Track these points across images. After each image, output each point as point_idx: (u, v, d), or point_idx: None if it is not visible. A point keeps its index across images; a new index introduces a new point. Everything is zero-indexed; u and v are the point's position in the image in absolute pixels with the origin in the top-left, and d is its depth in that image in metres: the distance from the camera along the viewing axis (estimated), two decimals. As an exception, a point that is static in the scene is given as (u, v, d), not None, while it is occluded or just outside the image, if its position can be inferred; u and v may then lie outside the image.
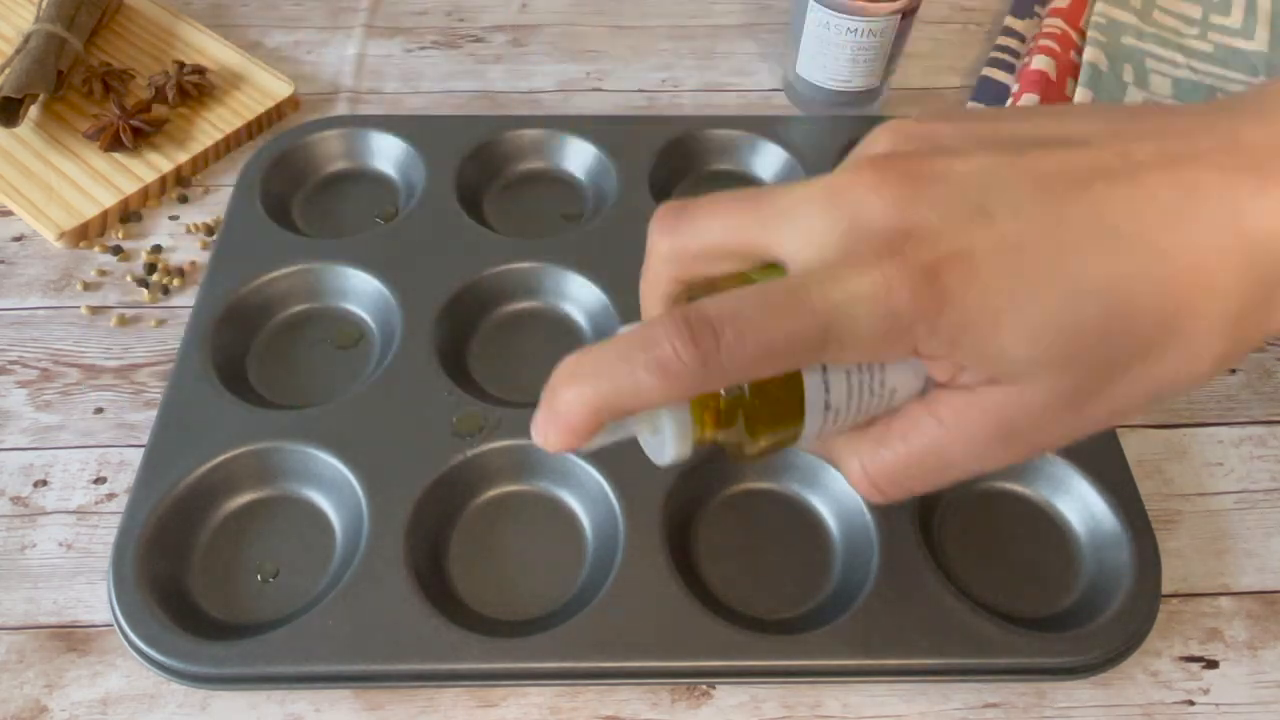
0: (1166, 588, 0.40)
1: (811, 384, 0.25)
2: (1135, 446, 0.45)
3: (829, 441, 0.27)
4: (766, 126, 0.56)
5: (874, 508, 0.39)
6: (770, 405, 0.26)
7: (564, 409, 0.24)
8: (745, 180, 0.55)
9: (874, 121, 0.56)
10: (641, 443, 0.28)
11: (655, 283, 0.27)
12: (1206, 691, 0.38)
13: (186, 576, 0.39)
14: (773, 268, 0.25)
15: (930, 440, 0.25)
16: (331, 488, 0.41)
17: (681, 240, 0.26)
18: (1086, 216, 0.22)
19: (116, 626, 0.37)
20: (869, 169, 0.23)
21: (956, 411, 0.24)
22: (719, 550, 0.40)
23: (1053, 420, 0.24)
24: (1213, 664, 0.39)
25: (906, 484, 0.26)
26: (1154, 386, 0.23)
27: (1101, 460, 0.41)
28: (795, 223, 0.24)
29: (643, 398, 0.23)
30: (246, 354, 0.47)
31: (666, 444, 0.26)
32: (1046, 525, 0.41)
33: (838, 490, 0.41)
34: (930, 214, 0.22)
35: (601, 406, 0.23)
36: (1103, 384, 0.23)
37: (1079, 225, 0.22)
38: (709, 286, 0.26)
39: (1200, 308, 0.22)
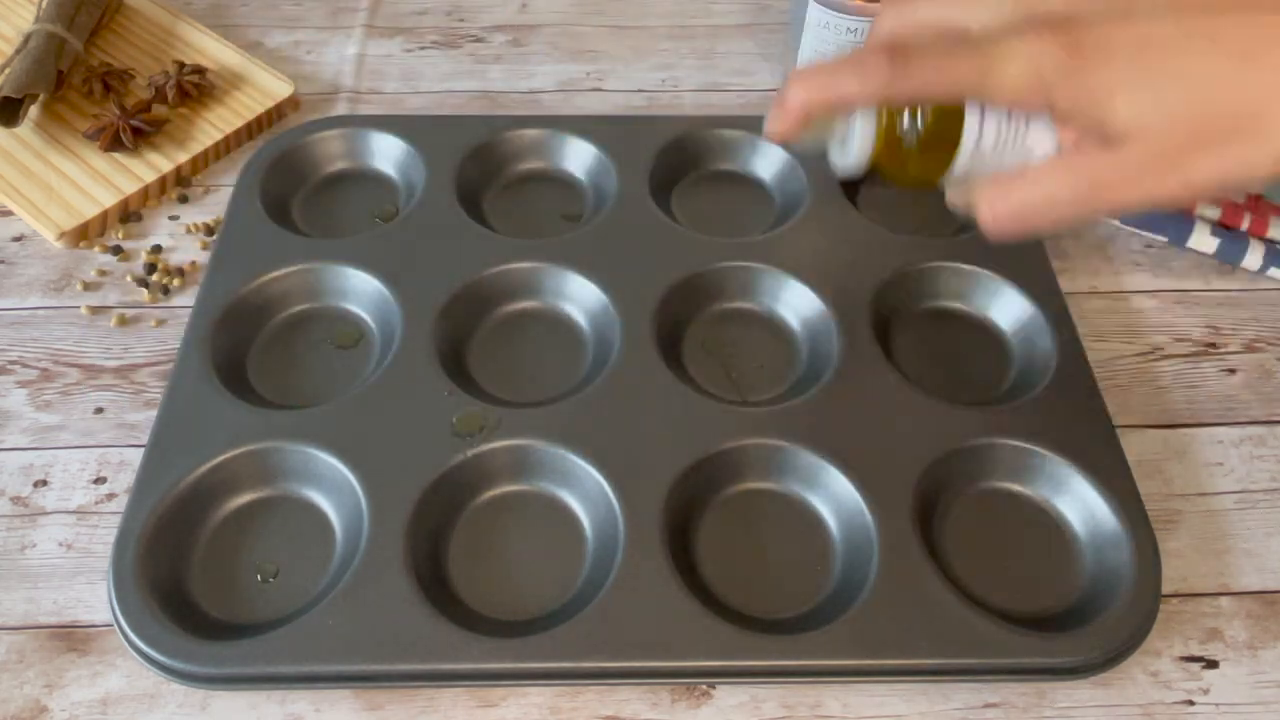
0: (1166, 588, 0.40)
1: (970, 124, 0.35)
2: (1135, 446, 0.45)
3: (968, 187, 0.33)
4: (766, 126, 0.56)
5: (874, 508, 0.39)
6: (933, 135, 0.35)
7: (787, 102, 0.33)
8: (745, 180, 0.56)
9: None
10: (831, 158, 0.38)
11: (875, 36, 0.35)
12: (1206, 691, 0.38)
13: (186, 576, 0.39)
14: None
15: (1047, 185, 0.31)
16: (331, 488, 0.41)
17: (902, 16, 0.34)
18: (1207, 31, 0.29)
19: (116, 626, 0.37)
20: None
21: (1072, 166, 0.31)
22: (719, 550, 0.40)
23: (1138, 179, 0.30)
24: (1213, 664, 0.39)
25: (1021, 218, 0.32)
26: (1226, 171, 0.29)
27: (1101, 460, 0.41)
28: (986, 5, 0.32)
29: (845, 91, 0.32)
30: (246, 354, 0.47)
31: (852, 146, 0.36)
32: (1047, 525, 0.41)
33: (838, 490, 0.41)
34: (1090, 7, 0.30)
35: (815, 99, 0.33)
36: (1185, 157, 0.29)
37: (1199, 37, 0.29)
38: None
39: (1273, 113, 0.28)
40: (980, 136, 0.35)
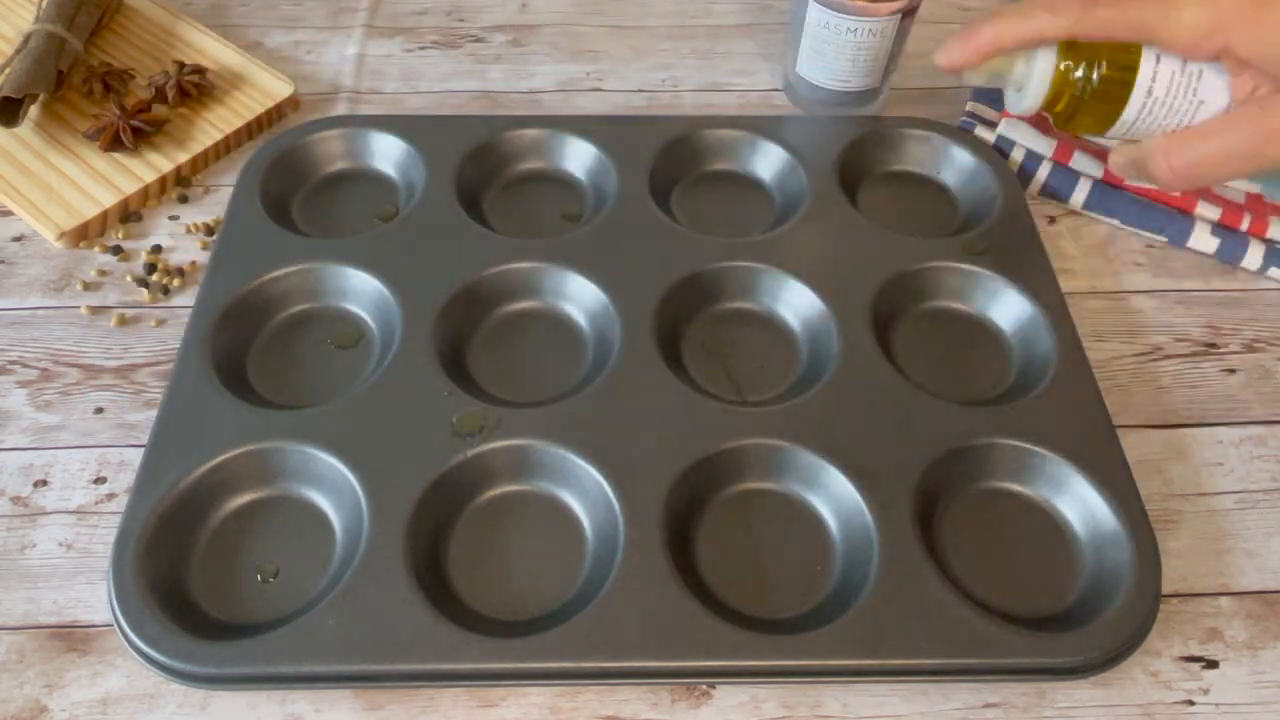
0: (1166, 588, 0.40)
1: (1144, 69, 0.36)
2: (1135, 446, 0.45)
3: (1138, 139, 0.36)
4: (766, 126, 0.56)
5: (874, 508, 0.39)
6: (1108, 82, 0.37)
7: (978, 34, 0.36)
8: (745, 180, 0.56)
9: (874, 122, 0.57)
10: (1006, 99, 0.41)
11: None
12: (1206, 691, 0.38)
13: (186, 576, 0.39)
14: None
15: (1226, 138, 0.32)
16: (331, 488, 0.41)
17: None
18: None
19: (116, 626, 0.37)
20: None
21: (1248, 115, 0.32)
22: (719, 550, 0.40)
23: None
24: (1213, 664, 0.39)
25: (1198, 169, 0.33)
26: None
27: (1101, 460, 0.41)
28: None
29: (1036, 28, 0.35)
30: (246, 354, 0.47)
31: (1031, 87, 0.38)
32: (1047, 525, 0.41)
33: (838, 490, 0.41)
34: None
35: (1007, 33, 0.35)
36: None
37: None
38: None
39: None
40: (1154, 82, 0.36)
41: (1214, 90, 0.35)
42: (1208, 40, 0.31)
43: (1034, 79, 0.38)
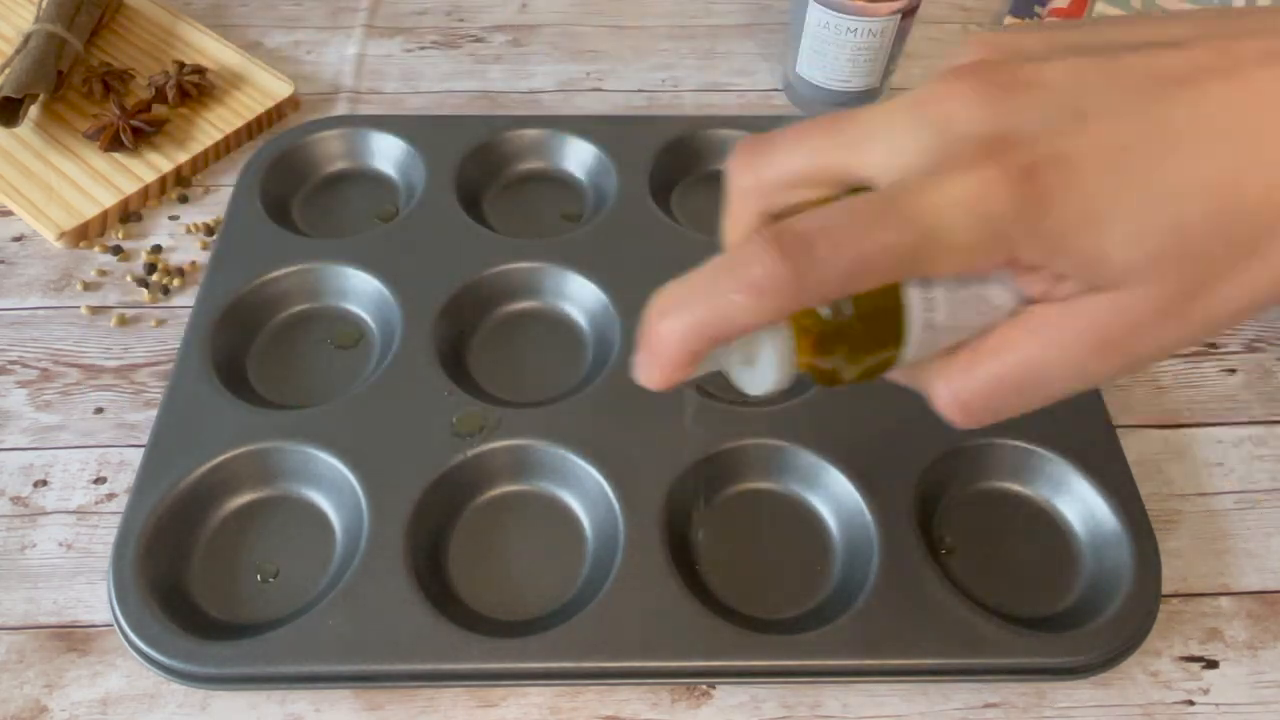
0: (1166, 588, 0.40)
1: (914, 300, 0.24)
2: (1135, 446, 0.45)
3: (917, 368, 0.26)
4: (766, 126, 0.55)
5: (874, 508, 0.39)
6: (872, 325, 0.25)
7: (660, 346, 0.24)
8: (745, 180, 0.55)
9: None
10: (733, 377, 0.27)
11: (739, 219, 0.26)
12: (1206, 691, 0.38)
13: (186, 576, 0.39)
14: (859, 190, 0.24)
15: (1025, 357, 0.24)
16: (331, 488, 0.41)
17: (762, 172, 0.25)
18: (1189, 114, 0.21)
19: (116, 626, 0.37)
20: (957, 78, 0.22)
21: (1053, 324, 0.23)
22: (719, 550, 0.40)
23: (1153, 328, 0.23)
24: (1213, 664, 0.39)
25: (999, 405, 0.25)
26: (1259, 291, 0.22)
27: (1101, 460, 0.41)
28: (881, 139, 0.23)
29: (739, 321, 0.22)
30: (246, 354, 0.47)
31: (765, 371, 0.26)
32: (1046, 525, 0.41)
33: (838, 490, 0.41)
34: (1025, 118, 0.22)
35: (698, 337, 0.23)
36: (1207, 287, 0.22)
37: (1181, 123, 0.21)
38: (795, 213, 0.24)
39: None
40: (930, 310, 0.24)
41: (1001, 293, 0.25)
42: (985, 258, 0.22)
43: (767, 355, 0.25)
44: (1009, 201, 0.21)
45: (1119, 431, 0.43)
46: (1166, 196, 0.21)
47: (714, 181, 0.56)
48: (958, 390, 0.25)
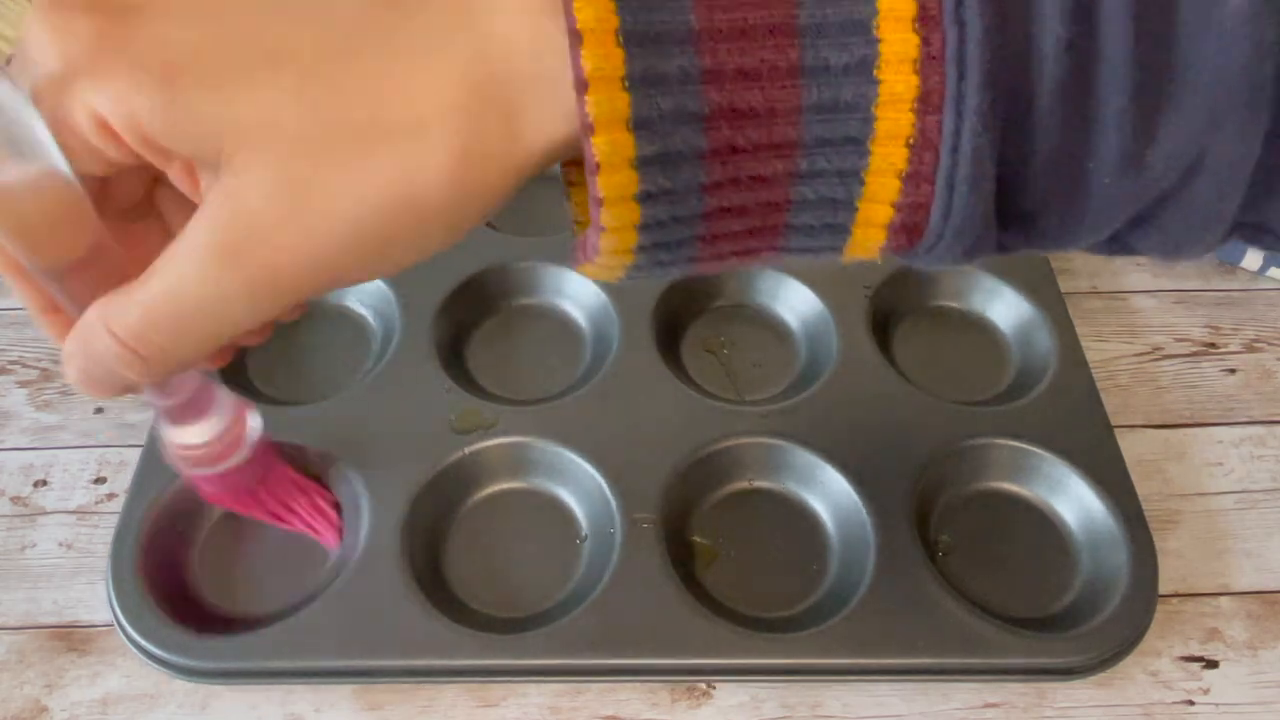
0: (1166, 588, 0.40)
1: None
2: (1135, 446, 0.44)
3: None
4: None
5: (871, 507, 0.39)
6: None
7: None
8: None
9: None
10: None
11: None
12: (1206, 691, 0.38)
13: (185, 571, 0.39)
14: None
15: (175, 277, 0.21)
16: (330, 483, 0.41)
17: None
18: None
19: (115, 621, 0.37)
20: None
21: (189, 233, 0.21)
22: (715, 548, 0.40)
23: (277, 220, 0.20)
24: (1213, 664, 0.39)
25: (161, 340, 0.22)
26: (383, 189, 0.20)
27: (1099, 461, 0.41)
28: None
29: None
30: (245, 350, 0.47)
31: None
32: (1044, 525, 0.41)
33: (834, 489, 0.41)
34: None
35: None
36: (322, 171, 0.20)
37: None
38: None
39: (426, 104, 0.20)
40: None
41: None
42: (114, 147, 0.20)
43: None
44: (139, 93, 0.20)
45: (1119, 431, 0.43)
46: (258, 57, 0.20)
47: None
48: (115, 324, 0.22)
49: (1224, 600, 0.40)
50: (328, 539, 0.39)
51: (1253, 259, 0.52)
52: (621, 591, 0.37)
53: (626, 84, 0.18)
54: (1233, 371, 0.49)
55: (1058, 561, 0.40)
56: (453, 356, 0.46)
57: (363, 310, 0.48)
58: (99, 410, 0.46)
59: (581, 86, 0.18)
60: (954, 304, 0.49)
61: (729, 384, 0.46)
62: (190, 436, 0.32)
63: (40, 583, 0.40)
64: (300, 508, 0.39)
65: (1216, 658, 0.39)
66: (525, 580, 0.39)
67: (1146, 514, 0.40)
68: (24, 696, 0.37)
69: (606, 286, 0.47)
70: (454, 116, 0.20)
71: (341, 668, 0.36)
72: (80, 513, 0.42)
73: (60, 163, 0.21)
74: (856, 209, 0.21)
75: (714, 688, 0.37)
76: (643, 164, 0.19)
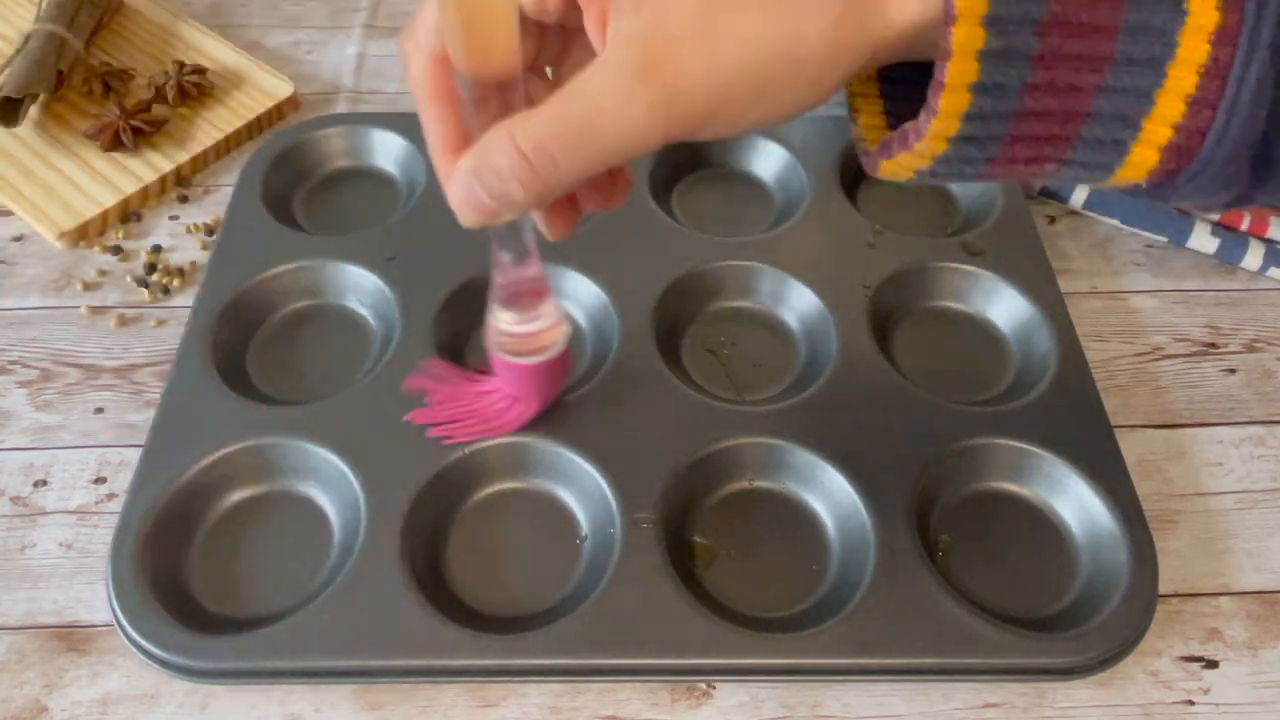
0: (1166, 588, 0.40)
1: None
2: (1135, 446, 0.44)
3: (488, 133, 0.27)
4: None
5: (871, 507, 0.39)
6: None
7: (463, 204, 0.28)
8: (746, 179, 0.56)
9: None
10: None
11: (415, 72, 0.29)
12: (1206, 691, 0.38)
13: (185, 571, 0.39)
14: None
15: (586, 92, 0.24)
16: (329, 483, 0.41)
17: (417, 35, 0.29)
18: None
19: (114, 620, 0.37)
20: None
21: (606, 54, 0.24)
22: (714, 548, 0.40)
23: (691, 45, 0.24)
24: (1213, 664, 0.39)
25: (560, 150, 0.25)
26: (775, 33, 0.24)
27: (1099, 461, 0.41)
28: None
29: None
30: (246, 350, 0.47)
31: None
32: (1044, 525, 0.41)
33: (834, 489, 0.41)
34: None
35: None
36: (732, 10, 0.24)
37: None
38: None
39: None
40: None
41: None
42: None
43: None
44: None
45: (1119, 431, 0.43)
46: None
47: (714, 181, 0.56)
48: (519, 135, 0.25)
49: (1224, 600, 0.40)
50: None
51: (1253, 259, 0.52)
52: (621, 591, 0.37)
53: None
54: (1233, 371, 0.49)
55: (1057, 561, 0.40)
56: (453, 356, 0.46)
57: (363, 310, 0.48)
58: (99, 410, 0.46)
59: None
60: (954, 304, 0.49)
61: (729, 384, 0.46)
62: (514, 324, 0.36)
63: (40, 583, 0.40)
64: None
65: (1216, 658, 0.39)
66: (525, 580, 0.39)
67: (1146, 514, 0.40)
68: (24, 696, 0.37)
69: (607, 286, 0.47)
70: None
71: (341, 668, 0.36)
72: (80, 513, 0.42)
73: None
74: (1141, 128, 0.23)
75: (714, 687, 0.37)
76: (986, 56, 0.22)
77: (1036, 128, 0.23)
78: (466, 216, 0.28)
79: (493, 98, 0.27)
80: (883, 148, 0.26)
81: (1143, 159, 0.24)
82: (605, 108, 0.24)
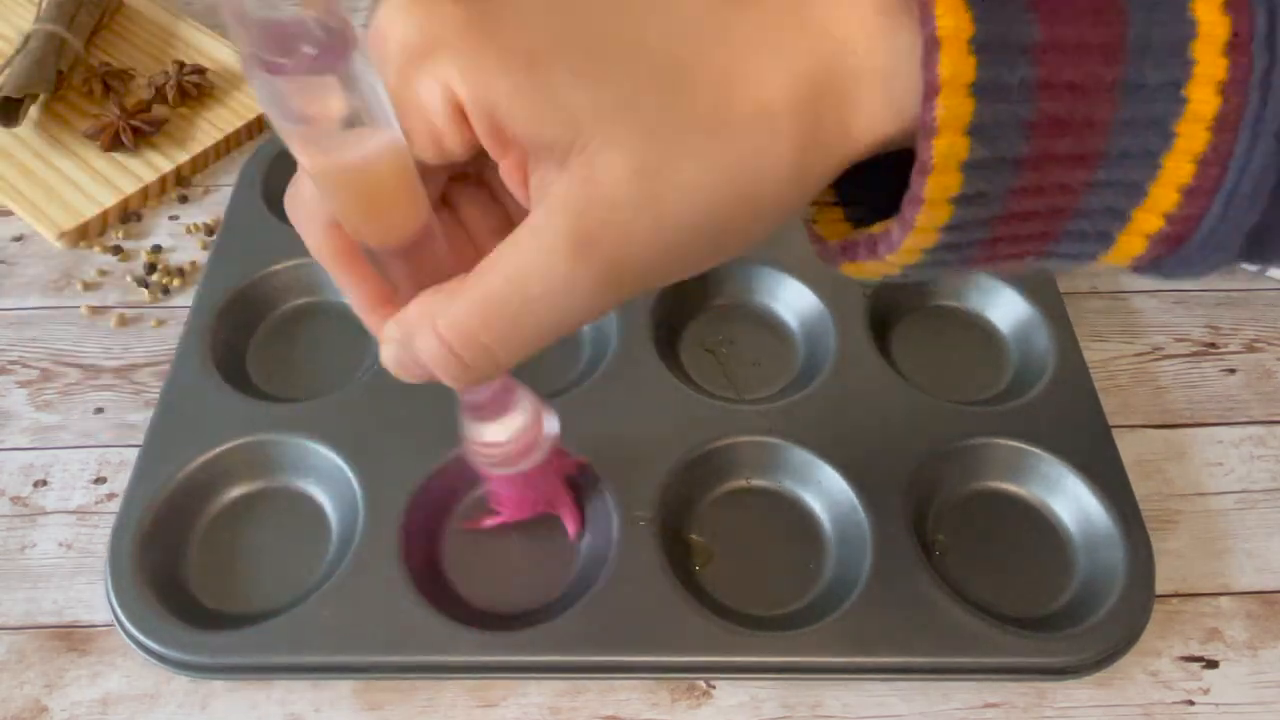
0: (1166, 588, 0.40)
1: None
2: (1135, 446, 0.44)
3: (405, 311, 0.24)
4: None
5: (868, 506, 0.39)
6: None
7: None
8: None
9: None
10: None
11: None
12: (1206, 691, 0.38)
13: (184, 567, 0.39)
14: None
15: (512, 269, 0.21)
16: (328, 480, 0.41)
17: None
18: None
19: (113, 617, 0.37)
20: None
21: (533, 224, 0.21)
22: (713, 547, 0.40)
23: (633, 208, 0.20)
24: (1213, 664, 0.38)
25: (489, 338, 0.22)
26: (731, 177, 0.21)
27: (1096, 460, 0.41)
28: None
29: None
30: (246, 347, 0.47)
31: None
32: (1041, 525, 0.41)
33: (832, 488, 0.41)
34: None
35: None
36: (675, 158, 0.20)
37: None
38: None
39: (771, 95, 0.20)
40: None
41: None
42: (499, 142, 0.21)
43: None
44: (496, 72, 0.20)
45: (1119, 431, 0.43)
46: (620, 36, 0.20)
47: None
48: (443, 324, 0.22)
49: (1224, 600, 0.40)
50: (572, 528, 0.39)
51: (1253, 258, 0.52)
52: (619, 589, 0.37)
53: (973, 91, 0.19)
54: (1233, 371, 0.48)
55: (1054, 561, 0.40)
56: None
57: (362, 310, 0.48)
58: (99, 410, 0.46)
59: (933, 91, 0.19)
60: (953, 304, 0.49)
61: (727, 383, 0.46)
62: (492, 434, 0.32)
63: (40, 583, 0.40)
64: (563, 499, 0.39)
65: (1216, 658, 0.39)
66: (524, 577, 0.39)
67: (1146, 514, 0.40)
68: (24, 696, 0.37)
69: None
70: (797, 107, 0.20)
71: (340, 663, 0.36)
72: (80, 513, 0.42)
73: (403, 137, 0.21)
74: (1130, 218, 0.21)
75: (713, 687, 0.37)
76: (970, 168, 0.20)
77: (1020, 229, 0.21)
78: (406, 380, 0.25)
79: (409, 254, 0.23)
80: (845, 250, 0.23)
81: (1129, 247, 0.22)
82: (542, 291, 0.21)
